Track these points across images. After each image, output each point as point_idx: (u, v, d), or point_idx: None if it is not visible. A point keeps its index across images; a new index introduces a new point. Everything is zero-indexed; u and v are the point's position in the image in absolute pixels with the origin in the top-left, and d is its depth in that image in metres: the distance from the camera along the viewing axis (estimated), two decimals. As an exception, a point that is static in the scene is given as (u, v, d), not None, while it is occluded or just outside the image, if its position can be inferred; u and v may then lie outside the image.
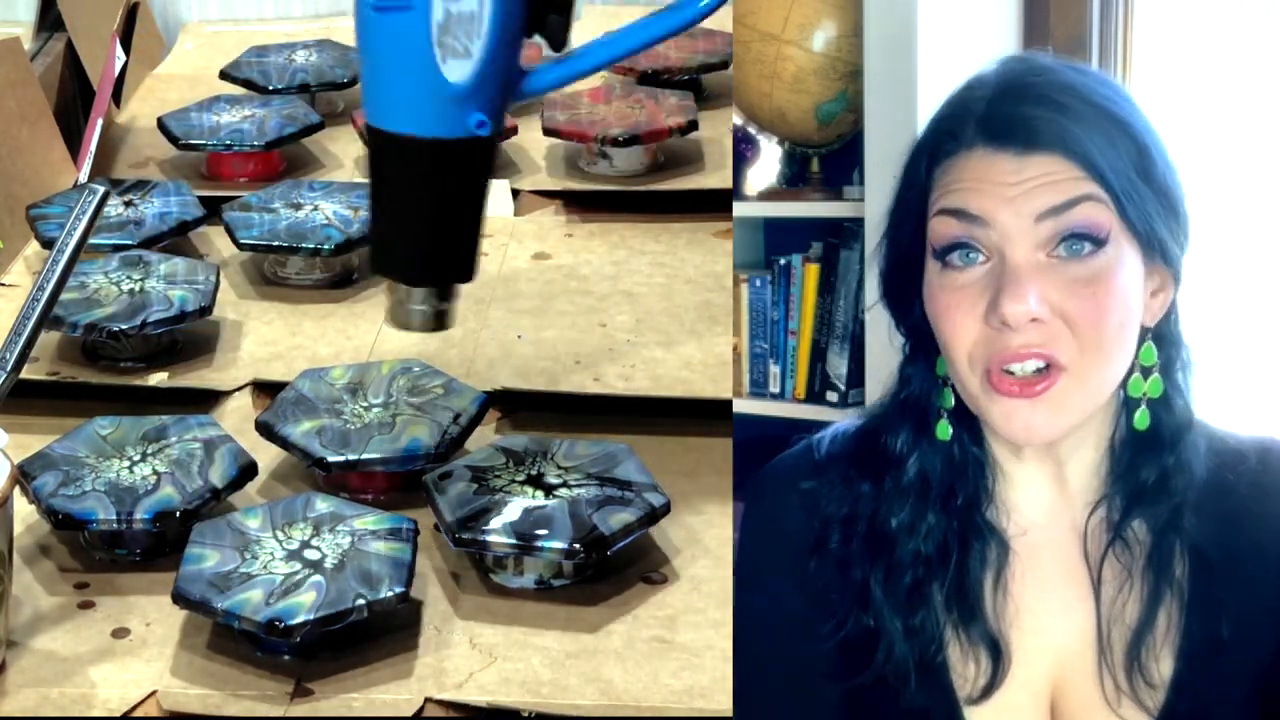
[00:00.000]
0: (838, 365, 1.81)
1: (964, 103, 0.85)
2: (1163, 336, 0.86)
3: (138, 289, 1.28)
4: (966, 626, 0.86)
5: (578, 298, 1.37)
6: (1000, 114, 0.83)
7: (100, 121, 1.57)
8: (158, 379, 1.25)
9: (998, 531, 0.88)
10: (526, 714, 0.92)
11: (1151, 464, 0.86)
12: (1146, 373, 0.86)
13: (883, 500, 0.88)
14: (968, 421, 0.88)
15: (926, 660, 0.86)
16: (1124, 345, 0.83)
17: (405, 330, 0.93)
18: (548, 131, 1.56)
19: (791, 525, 0.92)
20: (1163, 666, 0.85)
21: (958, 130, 0.84)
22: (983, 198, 0.82)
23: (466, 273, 0.92)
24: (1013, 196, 0.81)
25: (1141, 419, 0.86)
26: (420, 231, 0.91)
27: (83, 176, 1.54)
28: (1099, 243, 0.81)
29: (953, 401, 0.87)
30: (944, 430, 0.88)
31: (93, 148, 1.55)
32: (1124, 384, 0.86)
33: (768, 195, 1.91)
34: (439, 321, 0.93)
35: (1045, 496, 0.88)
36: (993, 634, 0.86)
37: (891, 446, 0.89)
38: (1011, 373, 0.81)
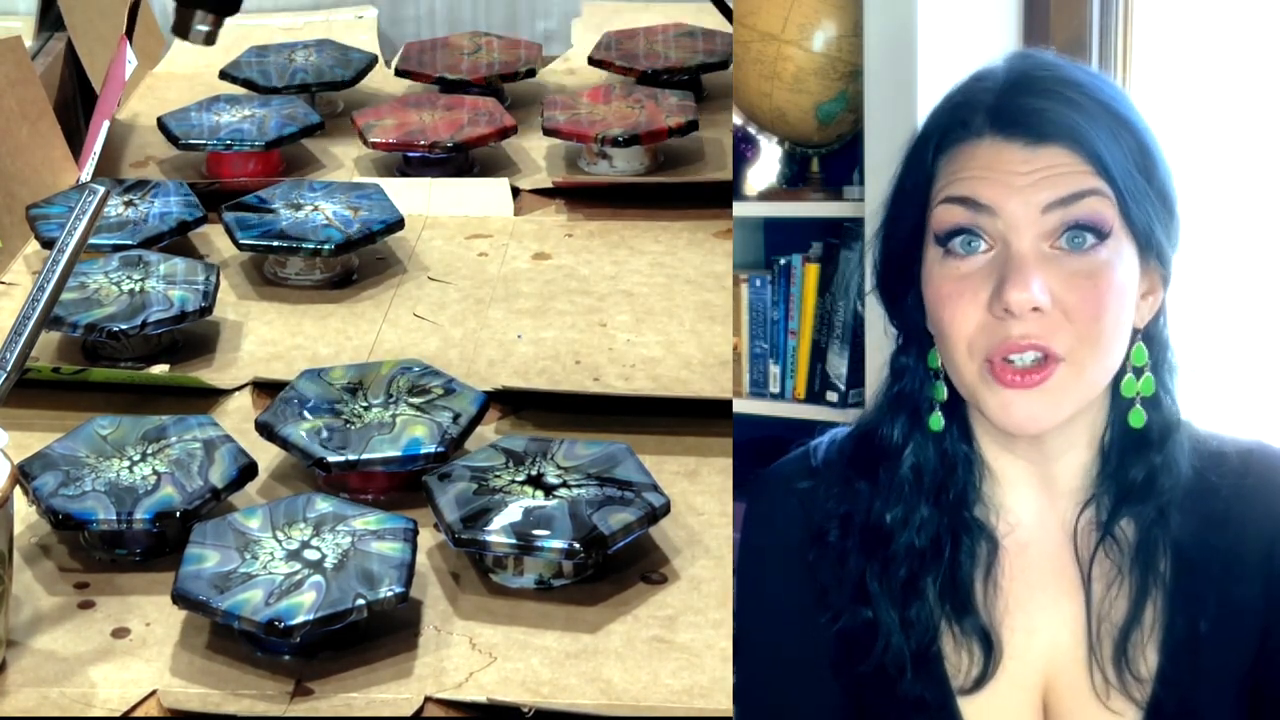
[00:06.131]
0: (838, 365, 1.81)
1: (972, 93, 0.86)
2: (1152, 337, 0.88)
3: (138, 289, 1.28)
4: (959, 619, 0.87)
5: (578, 298, 1.37)
6: (1011, 105, 0.84)
7: (107, 123, 1.57)
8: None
9: (986, 528, 0.89)
10: (527, 711, 0.92)
11: (1140, 463, 0.87)
12: (1139, 373, 0.87)
13: (878, 495, 0.89)
14: (958, 418, 0.89)
15: (922, 651, 0.87)
16: (1119, 340, 0.84)
17: (182, 39, 1.37)
18: (548, 131, 1.56)
19: (790, 524, 0.92)
20: (1149, 660, 0.86)
21: (967, 119, 0.85)
22: (992, 186, 0.83)
23: (233, 7, 1.34)
24: (1021, 186, 0.82)
25: (1137, 417, 0.87)
26: None
27: (85, 176, 1.54)
28: (1101, 236, 0.82)
29: (945, 394, 0.88)
30: (936, 422, 0.89)
31: (97, 148, 1.55)
32: (1115, 384, 0.87)
33: (768, 195, 1.90)
34: (208, 40, 1.37)
35: (1032, 496, 0.89)
36: (984, 627, 0.87)
37: (887, 439, 0.90)
38: (1011, 362, 0.82)
